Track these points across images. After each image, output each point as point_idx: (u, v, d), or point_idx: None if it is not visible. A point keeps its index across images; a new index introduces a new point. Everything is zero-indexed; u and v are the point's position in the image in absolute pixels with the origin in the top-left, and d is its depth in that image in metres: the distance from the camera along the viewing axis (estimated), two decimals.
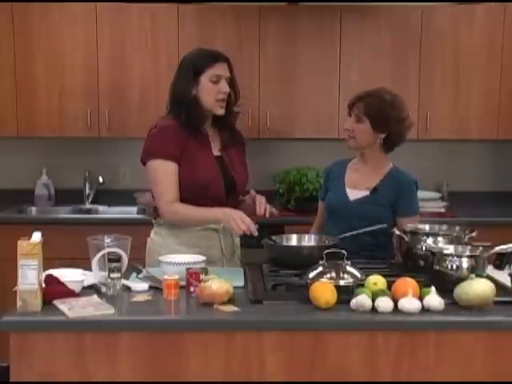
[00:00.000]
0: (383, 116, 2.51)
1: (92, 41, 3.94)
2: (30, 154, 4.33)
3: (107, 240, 2.06)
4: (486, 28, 3.99)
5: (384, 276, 1.97)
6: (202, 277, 1.98)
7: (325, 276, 1.95)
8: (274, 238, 2.46)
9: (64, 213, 4.06)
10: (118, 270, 1.97)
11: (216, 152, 2.53)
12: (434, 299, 1.85)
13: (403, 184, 2.58)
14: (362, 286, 1.92)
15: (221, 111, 2.46)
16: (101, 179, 4.17)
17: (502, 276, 2.14)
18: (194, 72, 2.43)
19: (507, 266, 2.20)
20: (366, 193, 2.57)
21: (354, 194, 2.58)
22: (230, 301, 1.91)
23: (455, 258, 2.01)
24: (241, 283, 2.13)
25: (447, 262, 2.01)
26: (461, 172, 4.39)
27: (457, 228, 2.38)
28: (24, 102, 3.96)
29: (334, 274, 1.96)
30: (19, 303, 1.81)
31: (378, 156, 2.60)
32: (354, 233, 2.43)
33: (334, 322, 1.83)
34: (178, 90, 2.46)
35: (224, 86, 2.43)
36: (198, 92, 2.44)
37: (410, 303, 1.83)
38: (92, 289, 2.04)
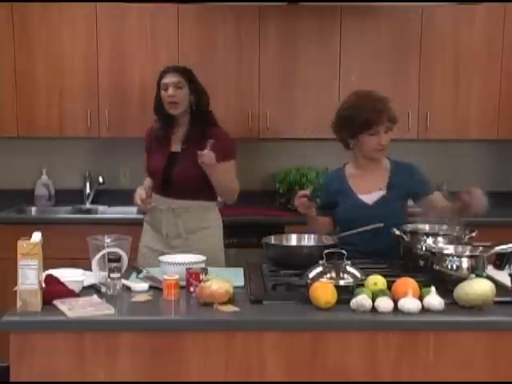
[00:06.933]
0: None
1: (92, 41, 3.94)
2: (30, 154, 4.33)
3: (107, 240, 2.07)
4: (486, 28, 4.00)
5: (384, 276, 1.97)
6: (201, 277, 1.99)
7: (325, 276, 1.95)
8: (273, 238, 2.46)
9: (64, 213, 4.06)
10: (118, 270, 1.97)
11: (176, 148, 2.85)
12: (434, 299, 1.85)
13: (411, 169, 2.62)
14: (362, 285, 1.92)
15: (171, 111, 2.83)
16: (101, 179, 4.18)
17: (502, 276, 2.14)
18: (158, 88, 2.88)
19: (507, 266, 2.21)
20: (381, 193, 2.56)
21: (369, 198, 2.56)
22: (230, 301, 1.91)
23: (455, 258, 2.01)
24: (241, 283, 2.14)
25: (447, 262, 2.01)
26: (461, 172, 4.38)
27: (457, 228, 2.38)
28: (24, 102, 3.96)
29: (333, 274, 1.95)
30: (19, 303, 1.81)
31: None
32: (355, 231, 2.41)
33: (334, 322, 1.83)
34: (154, 103, 2.92)
35: (169, 91, 2.80)
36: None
37: (410, 303, 1.83)
38: (92, 289, 2.04)
